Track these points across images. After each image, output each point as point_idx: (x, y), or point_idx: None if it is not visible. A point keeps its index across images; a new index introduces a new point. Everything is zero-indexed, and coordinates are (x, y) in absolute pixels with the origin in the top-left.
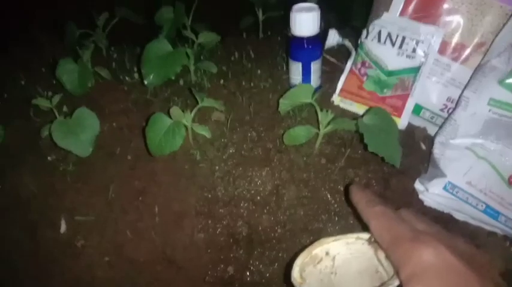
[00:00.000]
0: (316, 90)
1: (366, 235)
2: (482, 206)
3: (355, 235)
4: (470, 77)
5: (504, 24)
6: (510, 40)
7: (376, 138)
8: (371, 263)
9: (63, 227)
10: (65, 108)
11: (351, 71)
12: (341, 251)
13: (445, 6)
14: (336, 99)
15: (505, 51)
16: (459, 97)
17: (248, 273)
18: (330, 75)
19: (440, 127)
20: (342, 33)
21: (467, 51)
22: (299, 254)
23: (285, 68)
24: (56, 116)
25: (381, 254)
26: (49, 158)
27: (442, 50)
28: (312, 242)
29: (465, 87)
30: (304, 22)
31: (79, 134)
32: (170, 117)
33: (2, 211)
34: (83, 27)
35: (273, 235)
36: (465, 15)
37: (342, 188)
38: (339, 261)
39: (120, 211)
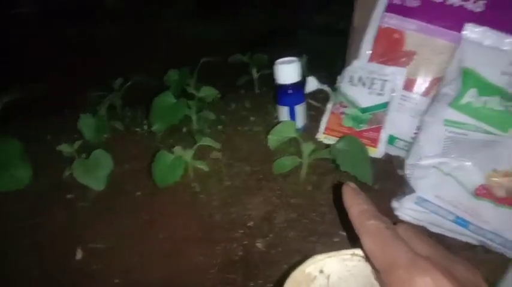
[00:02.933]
0: (302, 129)
1: (362, 252)
2: (451, 216)
3: (350, 251)
4: (428, 104)
5: (451, 59)
6: (457, 71)
7: (347, 160)
8: (368, 281)
9: (78, 255)
10: (84, 156)
11: (331, 111)
12: (336, 269)
13: (404, 50)
14: (321, 136)
15: (454, 80)
16: (420, 122)
17: None
18: (315, 117)
19: (409, 150)
20: (320, 80)
21: (428, 85)
22: (290, 273)
23: (275, 114)
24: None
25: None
26: (68, 196)
27: (407, 86)
28: (304, 260)
29: (424, 113)
30: (286, 72)
31: (95, 172)
32: (173, 154)
33: (29, 244)
34: (102, 91)
35: (267, 256)
36: (422, 55)
37: (327, 211)
38: (334, 279)
39: (129, 239)
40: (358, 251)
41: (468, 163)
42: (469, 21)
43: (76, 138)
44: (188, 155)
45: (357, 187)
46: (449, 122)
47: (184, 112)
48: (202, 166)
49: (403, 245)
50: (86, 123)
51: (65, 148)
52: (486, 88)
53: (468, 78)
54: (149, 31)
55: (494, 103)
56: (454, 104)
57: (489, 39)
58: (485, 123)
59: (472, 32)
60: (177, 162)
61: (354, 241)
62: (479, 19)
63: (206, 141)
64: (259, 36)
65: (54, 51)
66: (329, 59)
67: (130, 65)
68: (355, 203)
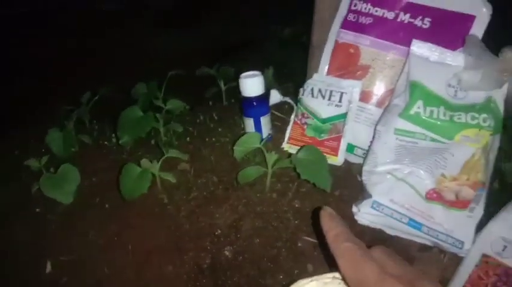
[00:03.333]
0: (267, 139)
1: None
2: (405, 219)
3: (331, 275)
4: (381, 115)
5: (401, 72)
6: (405, 83)
7: (307, 168)
8: None
9: (48, 268)
10: (52, 170)
11: (294, 122)
12: None
13: (359, 64)
14: (286, 146)
15: (403, 92)
16: (374, 131)
17: None
18: (280, 128)
19: (365, 158)
20: (286, 91)
21: (382, 96)
22: None
23: (242, 125)
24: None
25: None
26: (37, 210)
27: (363, 98)
28: (288, 285)
29: (377, 123)
30: (251, 85)
31: (63, 186)
32: (140, 167)
33: None
34: (70, 105)
35: (234, 263)
36: (376, 69)
37: (291, 217)
38: None
39: (98, 251)
40: (338, 275)
41: (419, 169)
42: (418, 37)
43: (44, 153)
44: (155, 167)
45: (333, 211)
46: (399, 131)
47: (152, 125)
48: (170, 178)
49: (374, 266)
50: (54, 138)
51: (32, 163)
52: (432, 99)
53: (415, 90)
54: (116, 44)
55: (439, 113)
56: (403, 114)
57: (434, 54)
58: (432, 132)
59: (418, 47)
60: (144, 174)
61: (332, 263)
62: (427, 35)
63: (173, 153)
64: (227, 49)
65: (18, 66)
66: (295, 71)
67: (97, 78)
68: (331, 227)
